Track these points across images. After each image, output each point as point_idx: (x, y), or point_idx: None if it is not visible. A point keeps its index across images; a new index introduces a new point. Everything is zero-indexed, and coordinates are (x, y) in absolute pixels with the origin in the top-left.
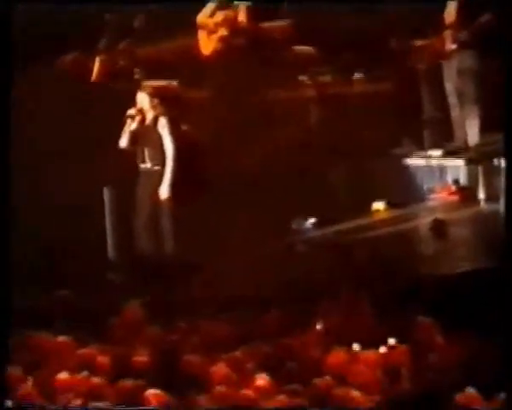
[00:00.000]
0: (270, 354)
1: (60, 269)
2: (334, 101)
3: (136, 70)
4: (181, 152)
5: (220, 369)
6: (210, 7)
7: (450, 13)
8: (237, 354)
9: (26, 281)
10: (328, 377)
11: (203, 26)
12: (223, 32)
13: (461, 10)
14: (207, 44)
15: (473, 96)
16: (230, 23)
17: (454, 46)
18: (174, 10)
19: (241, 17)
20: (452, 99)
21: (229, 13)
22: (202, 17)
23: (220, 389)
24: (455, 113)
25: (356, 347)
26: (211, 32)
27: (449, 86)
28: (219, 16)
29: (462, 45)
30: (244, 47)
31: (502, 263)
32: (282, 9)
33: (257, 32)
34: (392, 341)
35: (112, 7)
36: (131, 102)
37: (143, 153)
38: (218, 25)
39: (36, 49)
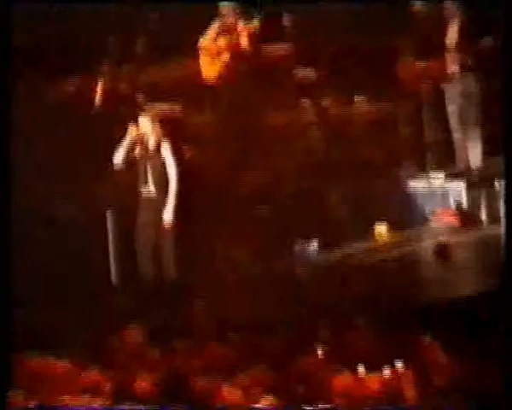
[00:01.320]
0: (274, 377)
1: (62, 292)
2: (336, 123)
3: (139, 94)
4: (183, 176)
5: (226, 393)
6: (212, 31)
7: (452, 36)
8: (241, 377)
9: (28, 303)
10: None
11: (206, 51)
12: (226, 57)
13: (462, 33)
14: (210, 69)
15: (474, 119)
16: (233, 48)
17: (456, 69)
18: (176, 34)
19: (244, 42)
20: (454, 122)
21: (231, 37)
22: (205, 41)
23: None
24: (457, 135)
25: (361, 369)
26: (214, 56)
27: (451, 109)
28: (222, 41)
29: (464, 68)
30: (247, 72)
31: (504, 286)
32: (284, 31)
33: (259, 57)
34: (399, 363)
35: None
36: (134, 126)
37: (146, 177)
38: (220, 49)
39: (38, 73)
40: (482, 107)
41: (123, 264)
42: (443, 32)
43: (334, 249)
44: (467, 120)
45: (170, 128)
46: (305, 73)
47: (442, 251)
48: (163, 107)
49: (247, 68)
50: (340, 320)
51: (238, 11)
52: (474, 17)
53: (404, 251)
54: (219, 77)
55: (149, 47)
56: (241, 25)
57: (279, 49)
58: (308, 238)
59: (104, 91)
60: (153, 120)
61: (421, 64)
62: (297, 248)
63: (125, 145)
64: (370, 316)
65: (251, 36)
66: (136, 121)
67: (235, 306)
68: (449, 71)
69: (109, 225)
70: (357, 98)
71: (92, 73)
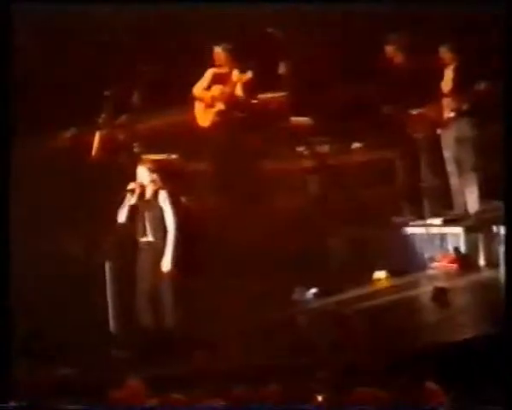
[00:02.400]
0: None
1: (61, 344)
2: (333, 171)
3: (136, 144)
4: (181, 225)
5: None
6: (206, 79)
7: (447, 81)
8: None
9: (26, 356)
10: None
11: (200, 99)
12: (220, 106)
13: (457, 78)
14: (204, 117)
15: (471, 163)
16: (227, 97)
17: (452, 114)
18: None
19: (238, 91)
20: (451, 167)
21: (225, 87)
22: (198, 90)
23: None
24: (454, 181)
25: None
26: (208, 105)
27: (447, 154)
28: (216, 90)
29: (460, 113)
30: (241, 120)
31: (504, 330)
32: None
33: (254, 105)
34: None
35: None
36: (132, 176)
37: (144, 227)
38: (214, 98)
39: (35, 125)
40: (478, 151)
41: (122, 314)
42: (439, 78)
43: (334, 296)
44: (463, 165)
45: (168, 177)
46: (302, 120)
47: (441, 296)
48: (160, 156)
49: (241, 117)
50: (340, 366)
51: (232, 60)
52: (469, 62)
53: (404, 296)
54: (213, 125)
55: (146, 97)
56: (235, 74)
57: (275, 97)
58: (307, 285)
59: (102, 142)
60: (150, 170)
61: (417, 110)
62: (296, 295)
63: (127, 203)
64: (370, 362)
65: (245, 85)
66: (133, 171)
67: (235, 355)
68: (445, 116)
69: (108, 275)
70: (354, 145)
71: (90, 124)
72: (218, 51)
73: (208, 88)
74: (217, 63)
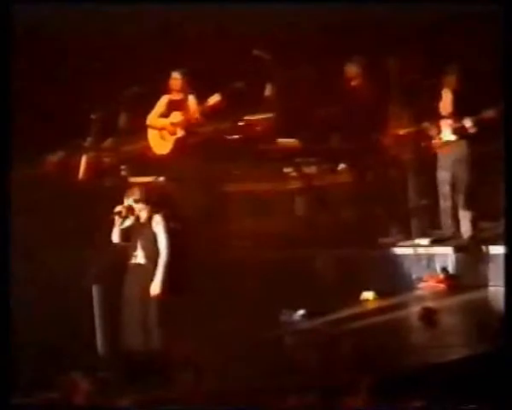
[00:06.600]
0: None
1: (48, 367)
2: (320, 191)
3: (123, 167)
4: (171, 248)
5: None
6: (160, 107)
7: (446, 104)
8: None
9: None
10: None
11: (153, 127)
12: (180, 132)
13: (456, 100)
14: (161, 144)
15: (466, 185)
16: (185, 123)
17: (450, 136)
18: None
19: (195, 117)
20: (444, 188)
21: (182, 113)
22: (153, 118)
23: None
24: (447, 202)
25: None
26: (162, 132)
27: (442, 175)
28: (174, 117)
29: (458, 135)
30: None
31: (492, 350)
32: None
33: (241, 127)
34: None
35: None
36: (119, 199)
37: (136, 249)
38: (170, 125)
39: (21, 149)
40: (474, 173)
41: (110, 336)
42: (436, 100)
43: (321, 317)
44: (457, 187)
45: (156, 200)
46: (289, 142)
47: (428, 316)
48: (147, 179)
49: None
50: (328, 388)
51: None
52: (469, 85)
53: (392, 317)
54: (172, 152)
55: (132, 119)
56: (191, 100)
57: (262, 118)
58: (295, 307)
59: (88, 165)
60: (143, 193)
61: (407, 131)
62: (284, 316)
63: (122, 226)
64: (358, 383)
65: (203, 110)
66: (121, 194)
67: (222, 377)
68: (442, 138)
69: (95, 298)
70: (340, 166)
71: (76, 148)
72: (176, 77)
73: (165, 115)
74: (172, 89)
